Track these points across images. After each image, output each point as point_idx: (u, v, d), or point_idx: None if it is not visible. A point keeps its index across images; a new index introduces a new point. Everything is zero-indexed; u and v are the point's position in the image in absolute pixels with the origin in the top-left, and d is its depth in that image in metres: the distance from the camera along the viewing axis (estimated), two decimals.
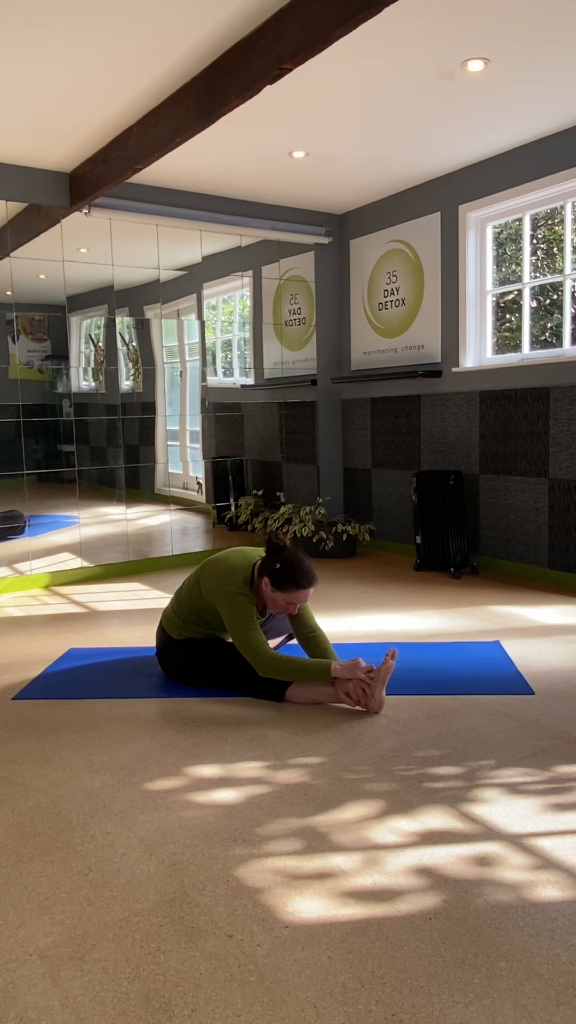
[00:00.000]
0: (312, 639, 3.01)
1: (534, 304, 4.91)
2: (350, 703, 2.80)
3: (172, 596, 3.18)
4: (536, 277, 4.86)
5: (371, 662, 3.24)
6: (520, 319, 4.92)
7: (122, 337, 5.51)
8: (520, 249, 4.92)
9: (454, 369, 5.15)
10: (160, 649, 3.17)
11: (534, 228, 4.94)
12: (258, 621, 3.13)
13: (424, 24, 3.14)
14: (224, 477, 6.22)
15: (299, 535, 5.65)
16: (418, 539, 5.13)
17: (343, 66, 3.49)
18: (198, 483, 6.00)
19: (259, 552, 3.02)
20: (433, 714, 2.73)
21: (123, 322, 5.47)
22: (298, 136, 4.35)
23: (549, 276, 4.84)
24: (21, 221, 4.92)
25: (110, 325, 5.40)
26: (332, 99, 3.85)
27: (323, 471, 6.14)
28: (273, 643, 3.33)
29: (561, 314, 4.73)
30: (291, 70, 3.01)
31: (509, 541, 4.93)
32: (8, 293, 4.87)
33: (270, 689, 2.87)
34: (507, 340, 5.09)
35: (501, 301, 5.08)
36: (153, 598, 4.61)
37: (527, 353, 4.87)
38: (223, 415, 6.20)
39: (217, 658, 3.01)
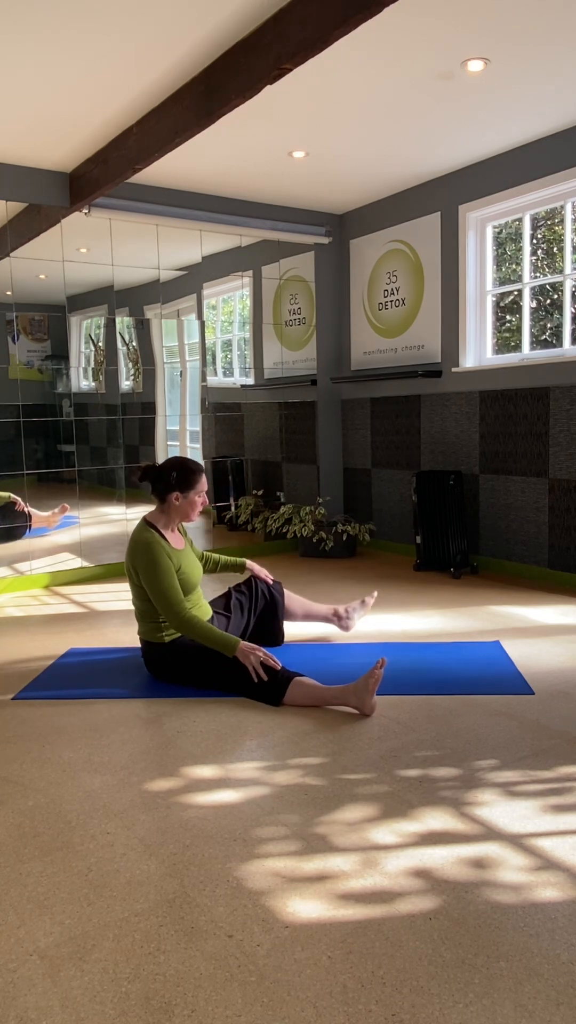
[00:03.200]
0: (213, 560, 3.49)
1: (534, 304, 4.91)
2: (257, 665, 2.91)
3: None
4: (536, 277, 4.86)
5: (370, 662, 3.26)
6: (520, 319, 4.92)
7: (122, 337, 5.51)
8: (520, 249, 4.92)
9: (454, 369, 5.15)
10: (147, 658, 3.16)
11: (534, 228, 4.94)
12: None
13: (424, 24, 3.14)
14: (224, 477, 6.22)
15: (299, 535, 5.65)
16: (418, 539, 5.13)
17: (343, 66, 3.49)
18: None
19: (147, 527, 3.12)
20: (433, 714, 2.73)
21: (123, 322, 5.47)
22: (298, 136, 4.35)
23: (549, 276, 4.84)
24: (21, 221, 4.92)
25: (110, 325, 5.40)
26: (332, 99, 3.85)
27: (323, 471, 6.14)
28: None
29: (561, 314, 4.73)
30: (291, 70, 3.01)
31: (509, 541, 4.93)
32: (8, 293, 4.87)
33: (268, 694, 2.86)
34: (507, 340, 5.09)
35: (501, 301, 5.08)
36: None
37: (527, 353, 4.87)
38: (223, 415, 6.20)
39: (210, 663, 2.98)
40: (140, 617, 3.16)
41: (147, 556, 2.99)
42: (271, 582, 3.52)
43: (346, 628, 3.68)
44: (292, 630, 3.77)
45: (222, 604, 3.40)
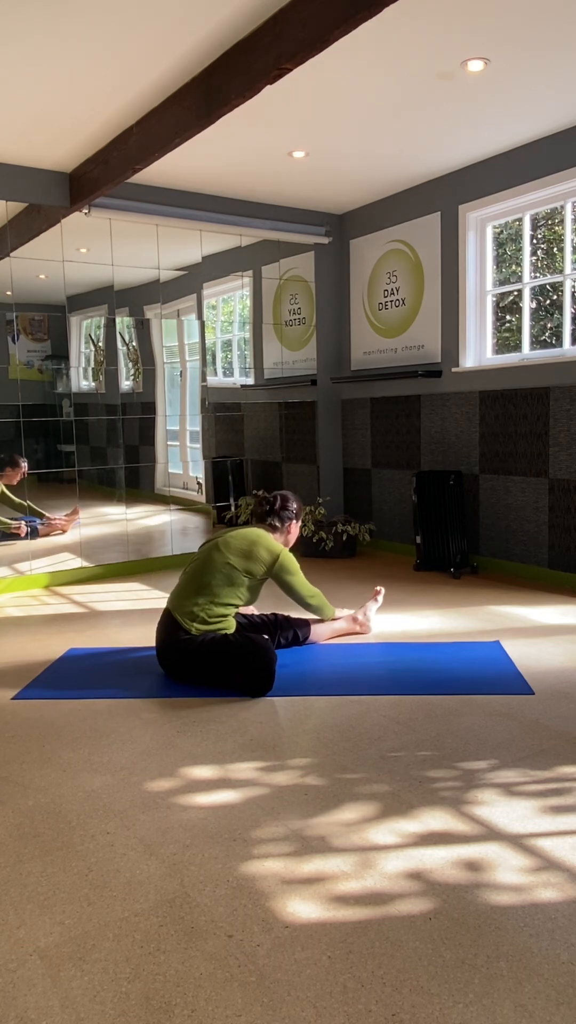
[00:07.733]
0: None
1: (534, 304, 4.91)
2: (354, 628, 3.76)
3: (186, 592, 3.17)
4: (536, 277, 4.86)
5: (370, 662, 3.27)
6: (520, 319, 4.92)
7: (122, 337, 5.51)
8: (520, 249, 4.92)
9: (454, 369, 5.15)
10: (167, 645, 3.13)
11: (534, 228, 4.94)
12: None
13: (424, 24, 3.14)
14: (224, 477, 6.22)
15: (299, 535, 5.65)
16: (418, 539, 5.13)
17: (343, 66, 3.49)
18: (198, 483, 6.00)
19: (249, 531, 3.35)
20: (433, 714, 2.73)
21: (123, 322, 5.47)
22: (298, 136, 4.35)
23: (549, 276, 4.84)
24: (21, 221, 4.92)
25: (110, 325, 5.40)
26: (332, 99, 3.85)
27: (323, 471, 6.14)
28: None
29: (561, 314, 4.73)
30: (291, 70, 3.01)
31: (509, 541, 4.93)
32: (8, 293, 4.87)
33: (258, 688, 2.98)
34: (507, 340, 5.09)
35: (501, 301, 5.08)
36: (153, 598, 4.61)
37: (527, 353, 4.87)
38: (223, 415, 6.20)
39: (223, 661, 3.01)
40: (196, 600, 3.14)
41: (292, 563, 3.36)
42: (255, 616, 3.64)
43: (367, 631, 3.77)
44: None
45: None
